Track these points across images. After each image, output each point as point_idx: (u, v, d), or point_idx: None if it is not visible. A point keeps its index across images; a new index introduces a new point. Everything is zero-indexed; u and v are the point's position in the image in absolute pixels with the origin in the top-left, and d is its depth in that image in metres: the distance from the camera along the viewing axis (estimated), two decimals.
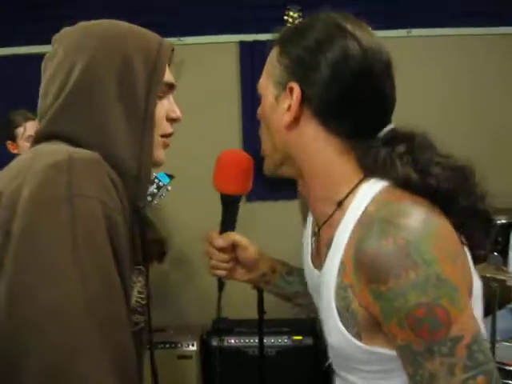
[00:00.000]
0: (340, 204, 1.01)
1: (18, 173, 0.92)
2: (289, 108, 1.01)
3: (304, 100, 1.00)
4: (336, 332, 0.98)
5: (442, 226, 0.90)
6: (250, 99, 3.63)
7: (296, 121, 1.02)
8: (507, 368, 2.34)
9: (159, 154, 1.12)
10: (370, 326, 0.93)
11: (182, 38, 3.61)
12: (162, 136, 1.13)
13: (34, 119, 2.92)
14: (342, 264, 0.96)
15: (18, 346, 0.79)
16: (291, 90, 1.01)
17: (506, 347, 2.59)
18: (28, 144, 2.91)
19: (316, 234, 1.13)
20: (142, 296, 1.06)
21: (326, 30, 1.02)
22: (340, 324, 0.97)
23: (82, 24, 1.11)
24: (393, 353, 0.93)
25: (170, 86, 1.14)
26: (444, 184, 0.93)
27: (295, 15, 3.52)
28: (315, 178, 1.05)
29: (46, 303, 0.79)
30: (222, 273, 1.33)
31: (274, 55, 1.07)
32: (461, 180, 0.95)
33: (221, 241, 1.29)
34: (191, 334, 3.44)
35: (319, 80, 0.98)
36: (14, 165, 0.99)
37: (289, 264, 1.40)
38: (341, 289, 0.96)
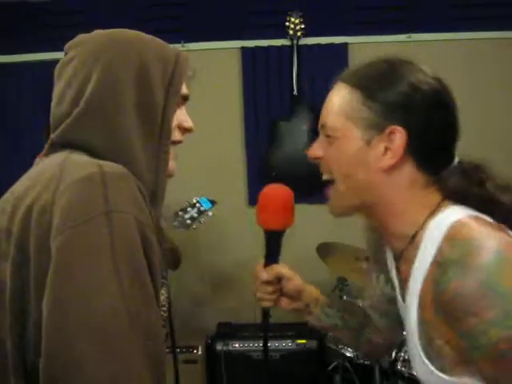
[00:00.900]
0: (414, 237, 1.05)
1: (47, 185, 0.91)
2: (386, 151, 1.04)
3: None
4: (421, 365, 1.02)
5: None
6: (252, 104, 3.64)
7: (396, 163, 1.04)
8: None
9: (171, 164, 1.13)
10: (453, 360, 0.96)
11: (184, 44, 3.63)
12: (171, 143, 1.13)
13: None
14: (421, 301, 1.00)
15: (63, 360, 0.78)
16: (392, 133, 1.03)
17: None
18: None
19: (397, 268, 1.16)
20: (163, 309, 1.06)
21: (413, 73, 1.05)
22: (424, 358, 1.00)
23: (99, 32, 1.10)
24: (477, 382, 0.96)
25: (185, 98, 1.15)
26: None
27: (296, 21, 3.54)
28: (397, 215, 1.08)
29: (89, 318, 0.79)
30: (268, 303, 1.38)
31: (352, 97, 1.07)
32: None
33: (265, 274, 1.33)
34: (196, 338, 3.45)
35: (418, 121, 1.03)
36: (40, 174, 0.97)
37: (332, 297, 1.43)
38: (422, 324, 1.00)
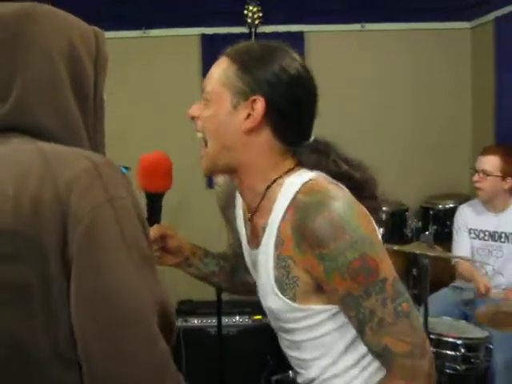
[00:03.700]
0: (268, 189, 1.27)
1: (41, 180, 0.86)
2: (248, 116, 1.23)
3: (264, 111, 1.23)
4: (273, 296, 1.24)
5: (357, 203, 1.19)
6: None
7: (254, 127, 1.24)
8: (444, 339, 2.59)
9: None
10: (307, 288, 1.20)
11: (146, 31, 3.71)
12: None
13: None
14: (280, 241, 1.22)
15: (118, 362, 0.82)
16: (254, 101, 1.22)
17: (442, 321, 2.85)
18: None
19: (250, 221, 1.36)
20: None
21: (284, 59, 1.26)
22: (277, 289, 1.23)
23: (19, 5, 1.01)
24: (321, 307, 1.22)
25: None
26: (359, 175, 1.26)
27: (254, 9, 3.64)
28: (256, 174, 1.28)
29: (123, 305, 0.84)
30: None
31: (230, 69, 1.26)
32: (367, 175, 1.28)
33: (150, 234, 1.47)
34: None
35: (279, 97, 1.23)
36: (21, 166, 0.88)
37: (205, 248, 1.60)
38: (280, 260, 1.22)
